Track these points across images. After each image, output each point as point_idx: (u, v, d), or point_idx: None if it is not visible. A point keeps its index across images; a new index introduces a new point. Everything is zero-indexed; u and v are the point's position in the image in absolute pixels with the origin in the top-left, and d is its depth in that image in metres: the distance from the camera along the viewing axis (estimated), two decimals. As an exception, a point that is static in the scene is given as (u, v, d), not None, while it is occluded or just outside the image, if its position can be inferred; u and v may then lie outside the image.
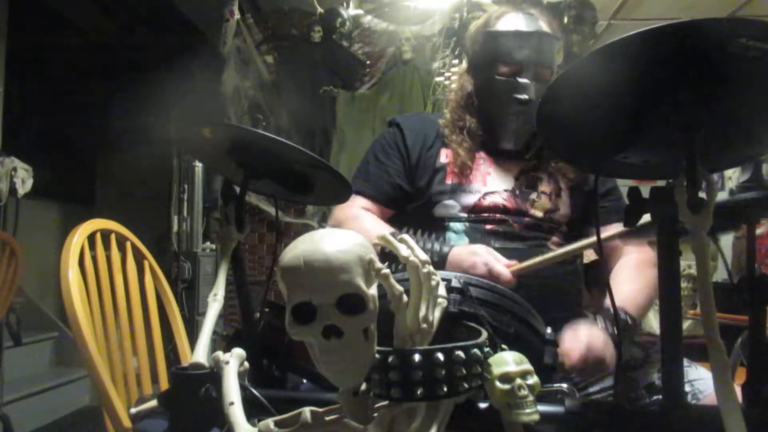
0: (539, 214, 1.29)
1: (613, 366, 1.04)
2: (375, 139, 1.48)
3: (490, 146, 1.34)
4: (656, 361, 1.02)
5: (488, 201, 1.27)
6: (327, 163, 0.91)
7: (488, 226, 1.25)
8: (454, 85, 1.41)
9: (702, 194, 0.60)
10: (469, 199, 1.28)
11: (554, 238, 1.29)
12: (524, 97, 1.24)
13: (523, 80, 1.25)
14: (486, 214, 1.26)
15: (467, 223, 1.26)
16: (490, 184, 1.30)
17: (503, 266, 1.07)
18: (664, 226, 0.67)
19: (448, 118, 1.36)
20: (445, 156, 1.33)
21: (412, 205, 1.34)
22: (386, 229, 1.21)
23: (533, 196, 1.30)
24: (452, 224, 1.26)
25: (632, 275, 1.22)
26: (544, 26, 1.29)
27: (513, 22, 1.30)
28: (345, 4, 3.12)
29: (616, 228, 1.07)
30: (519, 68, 1.26)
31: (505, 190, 1.29)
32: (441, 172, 1.31)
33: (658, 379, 0.97)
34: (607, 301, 1.14)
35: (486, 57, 1.30)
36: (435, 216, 1.28)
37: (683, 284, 2.65)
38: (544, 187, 1.31)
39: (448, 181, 1.30)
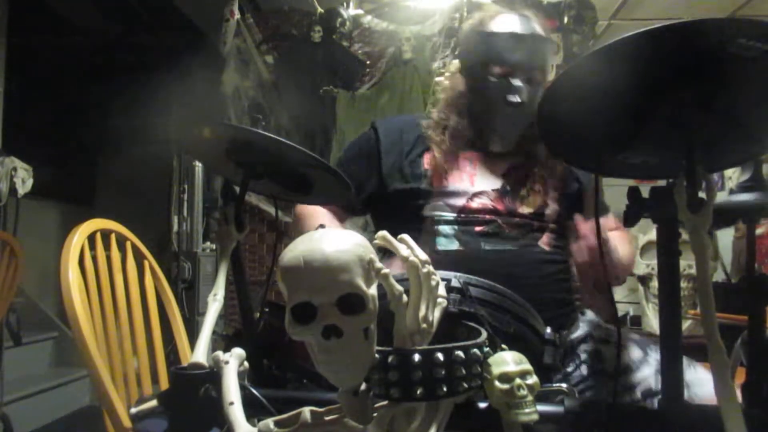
0: (529, 211, 1.26)
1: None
2: (353, 140, 1.46)
3: (478, 146, 1.32)
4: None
5: (476, 203, 1.25)
6: (327, 163, 0.91)
7: (477, 228, 1.23)
8: (446, 83, 1.38)
9: (702, 194, 0.60)
10: (458, 201, 1.25)
11: (544, 238, 1.27)
12: (516, 99, 1.23)
13: (515, 82, 1.23)
14: (475, 216, 1.24)
15: (456, 226, 1.23)
16: (477, 185, 1.28)
17: None
18: (664, 226, 0.67)
19: (435, 118, 1.34)
20: (428, 158, 1.31)
21: (402, 206, 1.30)
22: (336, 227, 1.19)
23: (522, 192, 1.27)
24: (441, 227, 1.24)
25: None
26: (538, 28, 1.28)
27: (507, 23, 1.28)
28: (345, 4, 3.11)
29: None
30: (512, 70, 1.24)
31: (493, 190, 1.27)
32: (426, 174, 1.29)
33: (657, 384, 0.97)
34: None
35: (479, 58, 1.28)
36: (424, 218, 1.26)
37: (683, 284, 2.64)
38: (533, 184, 1.29)
39: (435, 183, 1.28)
